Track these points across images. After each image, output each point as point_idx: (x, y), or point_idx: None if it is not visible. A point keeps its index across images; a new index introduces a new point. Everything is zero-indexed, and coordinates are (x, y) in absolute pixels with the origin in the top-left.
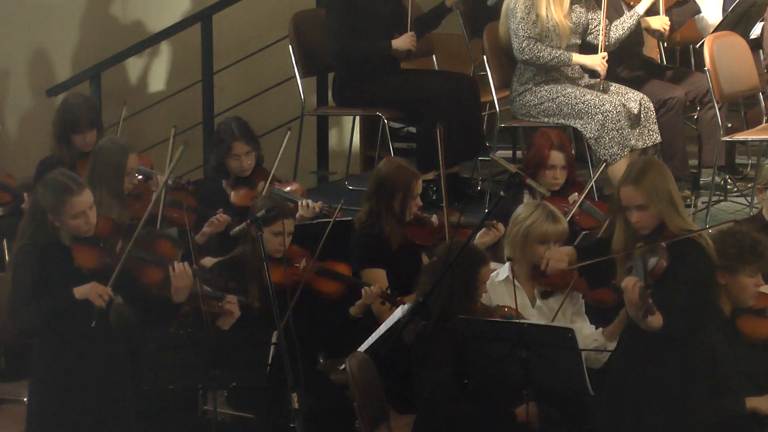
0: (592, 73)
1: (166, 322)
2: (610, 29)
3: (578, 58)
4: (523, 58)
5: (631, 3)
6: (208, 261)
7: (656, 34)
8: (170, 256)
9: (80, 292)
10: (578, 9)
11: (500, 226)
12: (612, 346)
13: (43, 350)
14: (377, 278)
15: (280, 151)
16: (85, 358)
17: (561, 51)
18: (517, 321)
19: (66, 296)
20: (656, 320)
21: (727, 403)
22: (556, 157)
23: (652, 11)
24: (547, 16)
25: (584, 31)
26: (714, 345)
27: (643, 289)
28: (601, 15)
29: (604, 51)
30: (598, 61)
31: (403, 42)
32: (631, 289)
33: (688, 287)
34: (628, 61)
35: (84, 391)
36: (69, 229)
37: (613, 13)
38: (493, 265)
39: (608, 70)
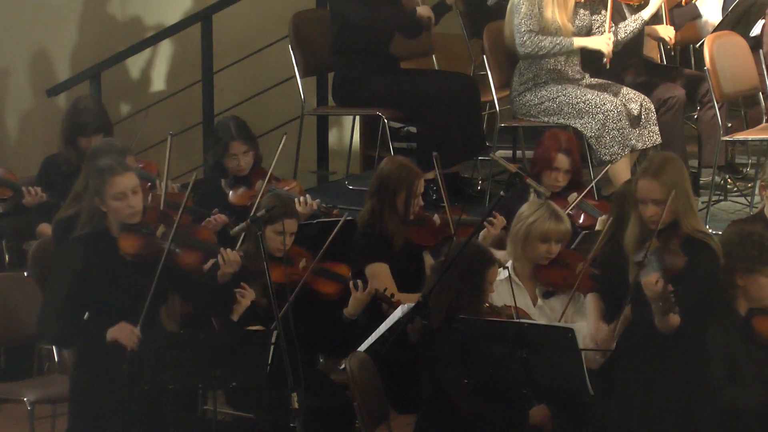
0: (593, 71)
1: (220, 309)
2: (614, 31)
3: (580, 41)
4: (525, 52)
5: (632, 3)
6: None
7: (661, 41)
8: (212, 242)
9: (111, 333)
10: (582, 12)
11: (498, 215)
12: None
13: (82, 350)
14: (381, 272)
15: (277, 154)
16: (123, 355)
17: (562, 37)
18: (517, 321)
19: (96, 334)
20: (675, 320)
21: (743, 402)
22: (562, 161)
23: (655, 19)
24: (551, 18)
25: (587, 33)
26: (729, 347)
27: (665, 286)
28: (607, 15)
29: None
30: (603, 42)
31: (426, 9)
32: (654, 286)
33: (698, 290)
34: (629, 62)
35: (123, 388)
36: (112, 213)
37: (616, 16)
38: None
39: (609, 71)
